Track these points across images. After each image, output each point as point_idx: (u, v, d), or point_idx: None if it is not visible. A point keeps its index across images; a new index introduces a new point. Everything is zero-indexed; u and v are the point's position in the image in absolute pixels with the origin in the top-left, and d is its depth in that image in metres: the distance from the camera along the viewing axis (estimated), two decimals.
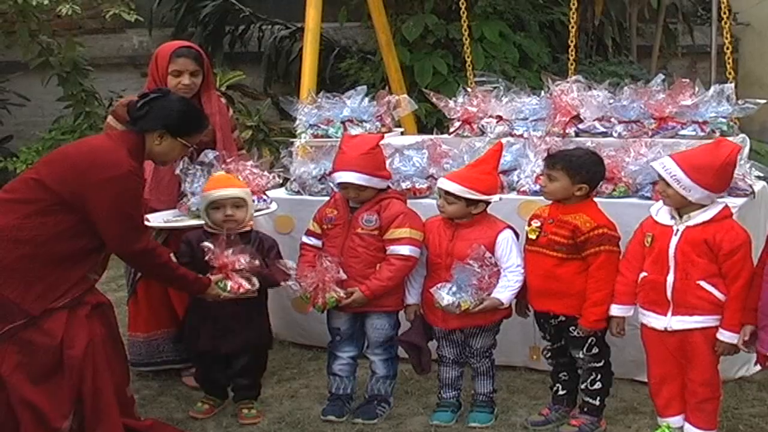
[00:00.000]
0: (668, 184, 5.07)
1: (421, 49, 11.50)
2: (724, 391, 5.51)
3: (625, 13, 13.74)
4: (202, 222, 5.84)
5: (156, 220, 6.06)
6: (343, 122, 7.24)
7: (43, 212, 4.84)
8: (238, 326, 5.80)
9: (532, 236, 5.55)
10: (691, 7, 14.52)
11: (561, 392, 5.76)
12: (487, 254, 5.45)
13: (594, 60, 12.83)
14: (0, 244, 4.81)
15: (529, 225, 5.61)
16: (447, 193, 5.60)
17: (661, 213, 5.21)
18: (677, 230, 5.08)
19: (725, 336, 5.00)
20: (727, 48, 7.63)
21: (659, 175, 5.18)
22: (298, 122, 7.35)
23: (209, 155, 6.11)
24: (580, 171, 5.45)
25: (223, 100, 6.67)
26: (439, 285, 5.52)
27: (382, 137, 6.26)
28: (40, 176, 4.90)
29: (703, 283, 5.02)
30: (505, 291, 5.54)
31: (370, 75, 11.78)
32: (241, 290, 5.51)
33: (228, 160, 6.06)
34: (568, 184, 5.44)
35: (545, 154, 5.97)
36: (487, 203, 5.64)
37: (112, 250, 5.05)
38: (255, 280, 5.60)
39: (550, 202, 5.62)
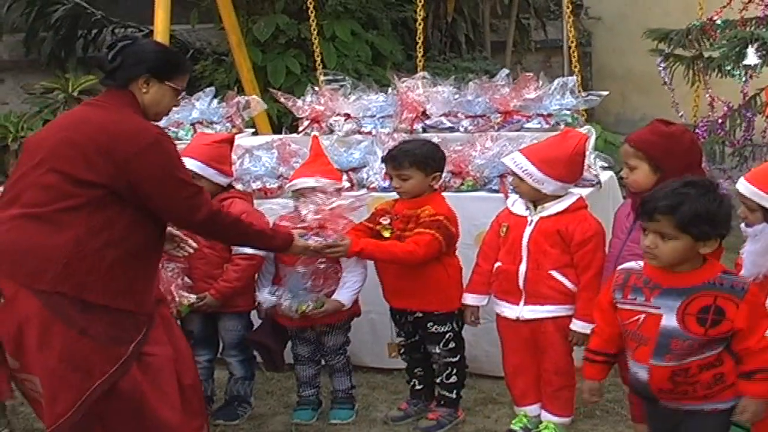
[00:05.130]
0: (521, 179, 5.14)
1: (273, 50, 11.53)
2: (582, 378, 5.65)
3: (478, 10, 13.90)
4: None
5: None
6: (192, 124, 7.25)
7: (98, 209, 4.23)
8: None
9: (386, 234, 5.50)
10: (543, 2, 14.72)
11: (418, 387, 5.79)
12: (318, 258, 5.44)
13: (447, 56, 12.97)
14: (84, 260, 4.19)
15: (379, 223, 5.56)
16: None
17: (517, 204, 5.27)
18: (531, 221, 5.16)
19: (578, 326, 5.07)
20: (571, 42, 7.79)
21: (511, 171, 5.25)
22: None
23: None
24: (428, 161, 5.46)
25: None
26: (267, 288, 5.59)
27: (233, 137, 6.23)
28: (64, 171, 4.23)
29: (554, 273, 5.10)
30: (345, 292, 5.56)
31: (225, 76, 11.74)
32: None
33: None
34: (423, 178, 5.44)
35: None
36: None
37: (178, 223, 4.57)
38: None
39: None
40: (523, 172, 5.12)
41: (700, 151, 4.92)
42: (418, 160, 5.44)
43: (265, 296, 5.58)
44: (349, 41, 11.47)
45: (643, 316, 3.91)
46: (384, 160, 5.69)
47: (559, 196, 5.17)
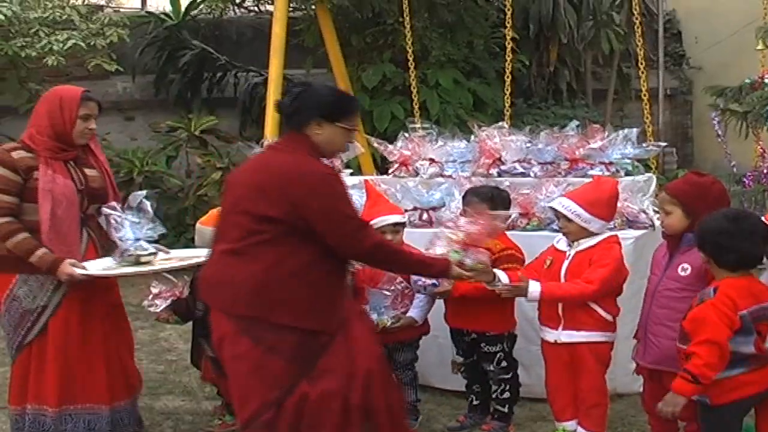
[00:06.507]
0: (569, 220, 5.74)
1: (380, 96, 12.23)
2: (626, 402, 6.32)
3: (581, 59, 14.46)
4: (142, 269, 5.77)
5: (93, 268, 5.71)
6: None
7: (283, 243, 4.76)
8: None
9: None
10: (644, 52, 15.14)
11: (475, 402, 6.44)
12: (397, 279, 6.17)
13: (548, 104, 13.57)
14: (272, 287, 4.74)
15: None
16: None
17: (561, 242, 5.91)
18: (569, 255, 5.78)
19: (530, 283, 5.57)
20: (644, 95, 8.36)
21: (558, 213, 5.84)
22: None
23: (141, 199, 5.97)
24: (498, 202, 6.24)
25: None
26: None
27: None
28: (252, 211, 4.77)
29: (589, 302, 5.70)
30: (417, 311, 6.26)
31: None
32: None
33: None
34: None
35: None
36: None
37: (346, 254, 4.91)
38: None
39: None
40: (572, 213, 5.71)
41: (728, 200, 5.52)
42: (488, 199, 6.19)
43: None
44: (451, 89, 12.13)
45: None
46: (463, 197, 6.42)
47: (594, 234, 5.74)
